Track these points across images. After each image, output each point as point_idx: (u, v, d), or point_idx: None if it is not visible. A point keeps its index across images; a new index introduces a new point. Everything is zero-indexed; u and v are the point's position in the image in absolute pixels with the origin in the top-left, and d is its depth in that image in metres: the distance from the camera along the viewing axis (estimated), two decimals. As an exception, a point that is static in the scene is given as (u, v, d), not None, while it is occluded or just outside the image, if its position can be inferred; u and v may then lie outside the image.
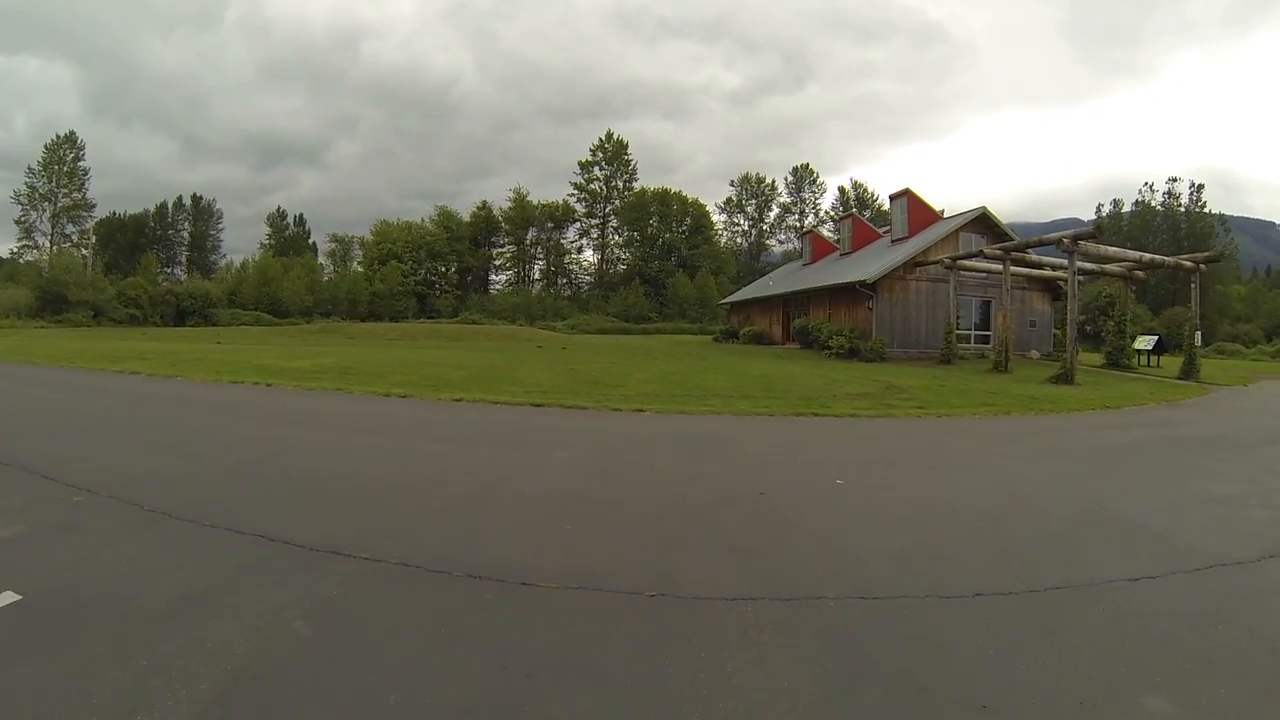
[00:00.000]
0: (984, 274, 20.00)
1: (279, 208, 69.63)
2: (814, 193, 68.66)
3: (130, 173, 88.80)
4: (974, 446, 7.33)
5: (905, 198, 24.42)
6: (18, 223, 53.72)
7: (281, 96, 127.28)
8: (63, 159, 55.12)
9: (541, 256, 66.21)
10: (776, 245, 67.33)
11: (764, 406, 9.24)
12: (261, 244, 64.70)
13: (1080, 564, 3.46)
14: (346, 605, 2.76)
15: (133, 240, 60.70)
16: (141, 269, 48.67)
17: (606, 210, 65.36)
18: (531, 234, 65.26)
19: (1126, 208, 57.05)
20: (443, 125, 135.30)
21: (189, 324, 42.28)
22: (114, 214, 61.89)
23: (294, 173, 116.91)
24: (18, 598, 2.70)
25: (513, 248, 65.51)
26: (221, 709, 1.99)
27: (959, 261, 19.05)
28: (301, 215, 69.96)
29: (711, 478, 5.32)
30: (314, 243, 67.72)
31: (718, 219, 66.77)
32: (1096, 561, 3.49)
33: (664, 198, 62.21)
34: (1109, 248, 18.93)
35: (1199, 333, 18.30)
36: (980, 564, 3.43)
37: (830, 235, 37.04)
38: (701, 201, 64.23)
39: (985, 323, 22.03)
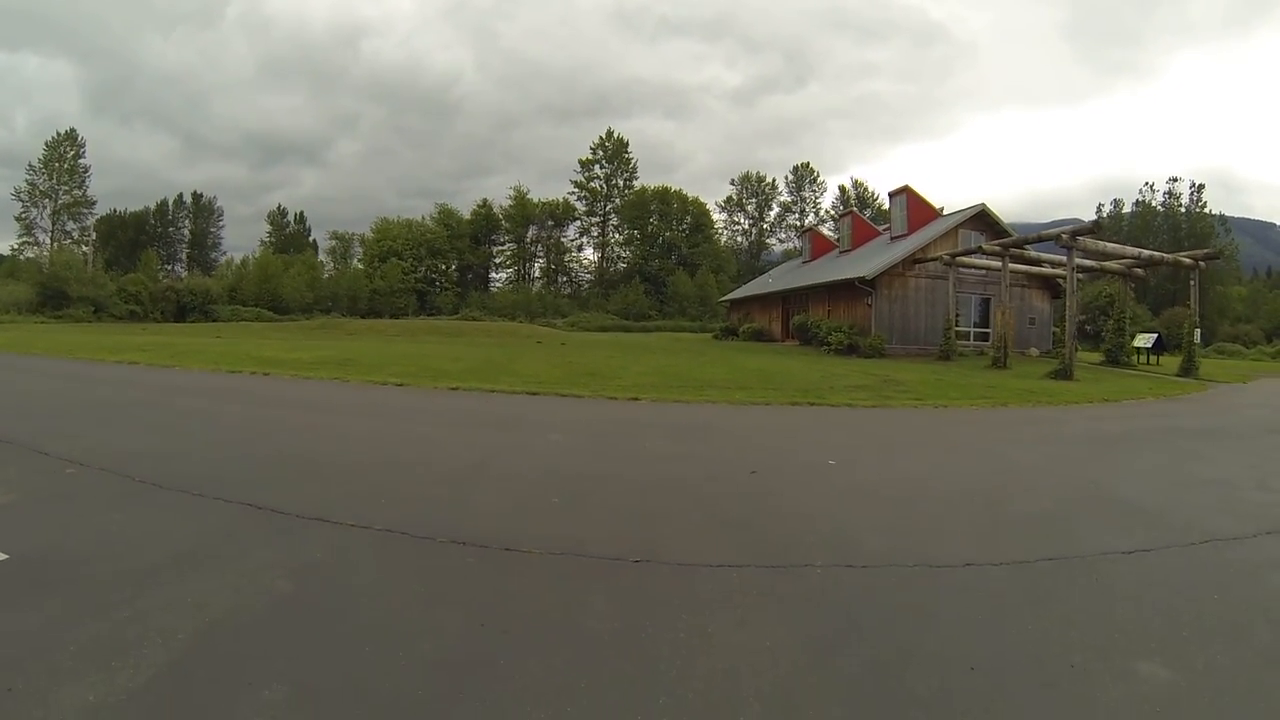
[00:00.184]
0: (983, 271, 19.94)
1: (279, 206, 69.40)
2: (814, 192, 68.44)
3: (131, 170, 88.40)
4: (970, 433, 7.31)
5: (904, 195, 24.36)
6: (18, 219, 53.73)
7: (282, 94, 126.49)
8: (63, 156, 55.09)
9: (542, 254, 66.09)
10: (777, 244, 67.12)
11: (760, 397, 9.22)
12: (262, 241, 64.54)
13: (1074, 538, 3.44)
14: (329, 566, 2.75)
15: (133, 237, 60.63)
16: (142, 266, 48.67)
17: (607, 208, 65.20)
18: (532, 232, 65.14)
19: (1127, 208, 56.94)
20: (443, 123, 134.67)
21: (189, 320, 42.26)
22: (114, 211, 61.87)
23: (294, 171, 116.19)
24: (4, 557, 2.70)
25: (513, 246, 65.38)
26: (196, 655, 1.99)
27: (958, 258, 18.99)
28: (302, 213, 69.83)
29: (703, 458, 5.30)
30: (314, 240, 67.64)
31: (718, 218, 66.58)
32: (1091, 536, 3.47)
33: (664, 196, 62.07)
34: (1108, 244, 18.83)
35: (1198, 330, 18.27)
36: (972, 537, 3.41)
37: (830, 233, 36.95)
38: (702, 200, 64.04)
39: (984, 320, 21.97)
